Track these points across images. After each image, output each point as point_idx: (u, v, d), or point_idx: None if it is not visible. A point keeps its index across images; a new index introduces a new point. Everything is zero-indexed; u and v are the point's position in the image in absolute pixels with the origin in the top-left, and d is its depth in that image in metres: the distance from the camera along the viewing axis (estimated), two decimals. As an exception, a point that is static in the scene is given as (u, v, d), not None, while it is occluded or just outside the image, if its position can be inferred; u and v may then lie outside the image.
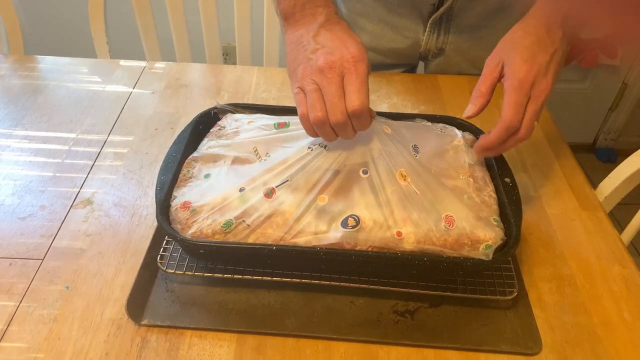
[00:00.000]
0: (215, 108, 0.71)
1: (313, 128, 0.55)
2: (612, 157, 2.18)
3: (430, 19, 0.88)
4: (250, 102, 0.85)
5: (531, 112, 0.59)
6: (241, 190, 0.58)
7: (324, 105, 0.53)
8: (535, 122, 0.60)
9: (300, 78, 0.56)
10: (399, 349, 0.55)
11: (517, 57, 0.60)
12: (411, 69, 1.01)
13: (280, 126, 0.63)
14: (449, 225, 0.56)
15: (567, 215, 0.71)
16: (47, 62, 0.97)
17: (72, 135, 0.80)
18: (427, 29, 0.90)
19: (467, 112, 0.62)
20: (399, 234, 0.55)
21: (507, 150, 0.62)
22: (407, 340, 0.55)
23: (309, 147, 0.59)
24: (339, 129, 0.54)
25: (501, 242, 0.57)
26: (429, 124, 0.69)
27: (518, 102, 0.58)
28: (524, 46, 0.60)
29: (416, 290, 0.58)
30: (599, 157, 2.20)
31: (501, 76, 0.61)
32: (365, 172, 0.58)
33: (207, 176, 0.61)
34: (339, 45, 0.55)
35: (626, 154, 0.80)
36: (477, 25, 0.89)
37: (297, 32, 0.60)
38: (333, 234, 0.55)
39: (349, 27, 0.60)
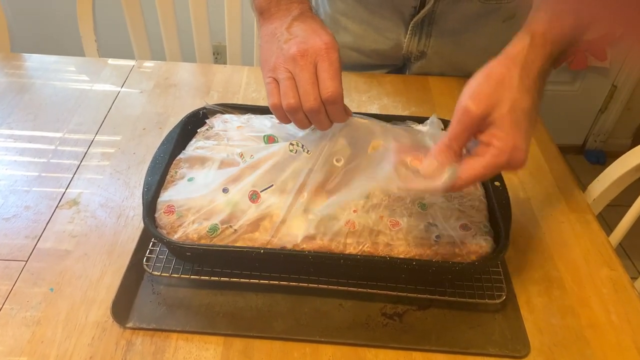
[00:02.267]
0: (204, 108, 0.70)
1: (286, 116, 0.56)
2: (601, 159, 2.19)
3: (412, 22, 0.88)
4: (240, 101, 0.85)
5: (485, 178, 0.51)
6: (224, 190, 0.57)
7: (297, 93, 0.54)
8: None
9: (273, 67, 0.56)
10: (387, 351, 0.55)
11: (514, 127, 0.48)
12: (398, 69, 1.01)
13: (269, 140, 0.62)
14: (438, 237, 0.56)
15: (556, 218, 0.71)
16: (34, 61, 0.96)
17: (59, 135, 0.79)
18: (408, 32, 0.90)
19: (426, 169, 0.50)
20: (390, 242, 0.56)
21: None
22: (395, 343, 0.55)
23: (290, 143, 0.59)
24: (312, 115, 0.55)
25: (491, 250, 0.57)
26: (419, 126, 0.69)
27: (484, 177, 0.50)
28: (522, 110, 0.49)
29: (405, 294, 0.58)
30: (589, 158, 2.22)
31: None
32: (338, 161, 0.59)
33: (191, 179, 0.60)
34: (311, 35, 0.56)
35: (615, 155, 0.80)
36: (458, 30, 0.89)
37: (272, 25, 0.60)
38: (320, 242, 0.55)
39: (323, 22, 0.60)
